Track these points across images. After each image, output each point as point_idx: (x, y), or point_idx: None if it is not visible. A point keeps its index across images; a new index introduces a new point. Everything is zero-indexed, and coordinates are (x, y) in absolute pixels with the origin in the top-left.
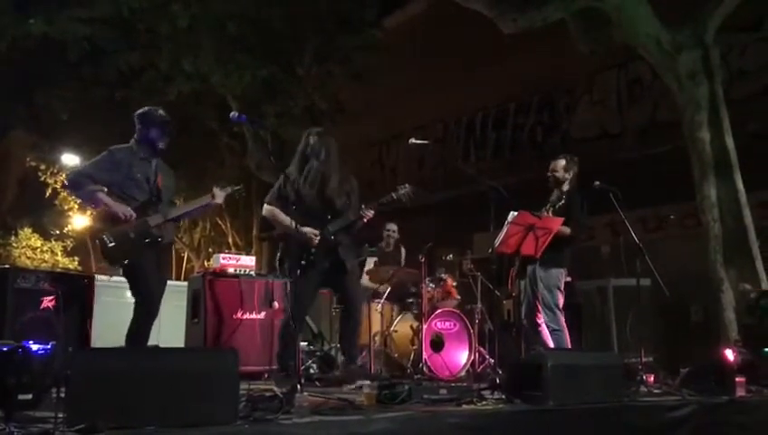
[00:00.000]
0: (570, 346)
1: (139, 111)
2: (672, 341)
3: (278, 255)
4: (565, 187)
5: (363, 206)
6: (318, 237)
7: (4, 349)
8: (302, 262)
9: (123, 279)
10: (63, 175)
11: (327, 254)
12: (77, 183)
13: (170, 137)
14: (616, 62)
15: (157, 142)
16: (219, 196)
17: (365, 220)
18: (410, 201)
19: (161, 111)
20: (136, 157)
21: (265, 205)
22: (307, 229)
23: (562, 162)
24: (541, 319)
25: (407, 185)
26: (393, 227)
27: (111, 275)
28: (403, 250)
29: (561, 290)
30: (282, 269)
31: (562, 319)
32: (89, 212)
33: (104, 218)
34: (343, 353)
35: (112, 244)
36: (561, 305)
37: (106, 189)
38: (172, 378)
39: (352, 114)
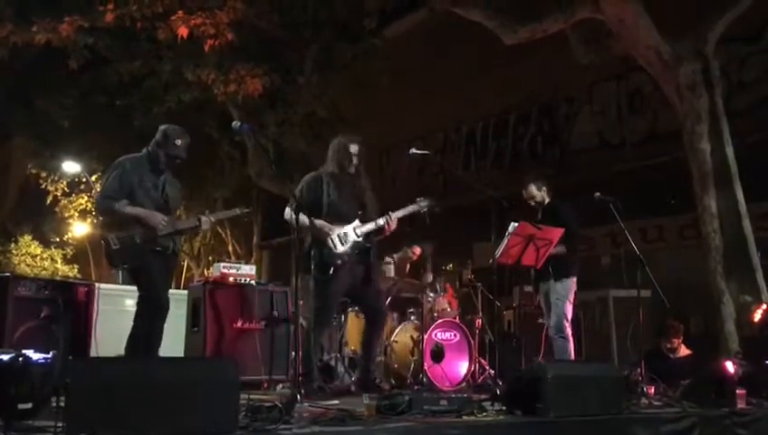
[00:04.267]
0: (573, 357)
1: (164, 127)
2: None
3: (295, 258)
4: (546, 202)
5: (390, 214)
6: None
7: (4, 358)
8: (333, 266)
9: (124, 287)
10: (64, 182)
11: (359, 258)
12: (106, 209)
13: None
14: (616, 73)
15: (160, 164)
16: (205, 223)
17: (389, 229)
18: (429, 214)
19: (178, 141)
20: (145, 168)
21: (286, 209)
22: (323, 223)
23: (532, 186)
24: (568, 330)
25: (423, 198)
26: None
27: (118, 272)
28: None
29: (570, 301)
30: (308, 272)
31: (569, 329)
32: (89, 220)
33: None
34: (364, 366)
35: (116, 247)
36: (569, 316)
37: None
38: (172, 387)
39: (353, 123)
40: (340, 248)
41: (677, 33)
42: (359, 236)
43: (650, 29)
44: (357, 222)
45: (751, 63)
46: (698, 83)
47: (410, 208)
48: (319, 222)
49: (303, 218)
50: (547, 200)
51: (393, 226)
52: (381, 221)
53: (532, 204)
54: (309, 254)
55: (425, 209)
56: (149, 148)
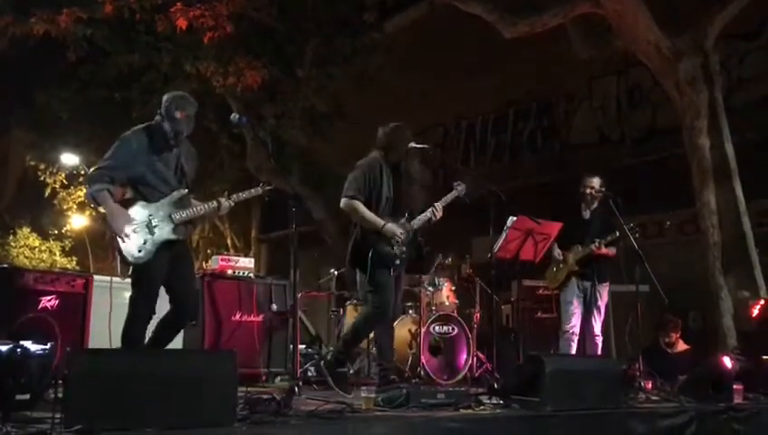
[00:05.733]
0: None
1: (165, 96)
2: None
3: (352, 248)
4: (594, 205)
5: (435, 204)
6: (403, 235)
7: (3, 349)
8: (393, 267)
9: (109, 278)
10: (62, 174)
11: (408, 253)
12: (94, 191)
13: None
14: (616, 69)
15: (168, 139)
16: (224, 207)
17: (435, 220)
18: (469, 197)
19: (179, 114)
20: (155, 144)
21: (346, 199)
22: (392, 226)
23: (597, 180)
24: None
25: (460, 182)
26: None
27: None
28: None
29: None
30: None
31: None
32: (88, 212)
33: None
34: (382, 365)
35: (127, 241)
36: None
37: (113, 187)
38: (170, 380)
39: (352, 117)
40: (402, 249)
41: (677, 28)
42: (412, 233)
43: (650, 24)
44: (407, 216)
45: (750, 60)
46: (698, 79)
47: (452, 195)
48: (389, 227)
49: (366, 213)
50: (595, 205)
51: (439, 214)
52: (430, 214)
53: (587, 195)
54: (359, 249)
55: (463, 193)
56: (155, 121)
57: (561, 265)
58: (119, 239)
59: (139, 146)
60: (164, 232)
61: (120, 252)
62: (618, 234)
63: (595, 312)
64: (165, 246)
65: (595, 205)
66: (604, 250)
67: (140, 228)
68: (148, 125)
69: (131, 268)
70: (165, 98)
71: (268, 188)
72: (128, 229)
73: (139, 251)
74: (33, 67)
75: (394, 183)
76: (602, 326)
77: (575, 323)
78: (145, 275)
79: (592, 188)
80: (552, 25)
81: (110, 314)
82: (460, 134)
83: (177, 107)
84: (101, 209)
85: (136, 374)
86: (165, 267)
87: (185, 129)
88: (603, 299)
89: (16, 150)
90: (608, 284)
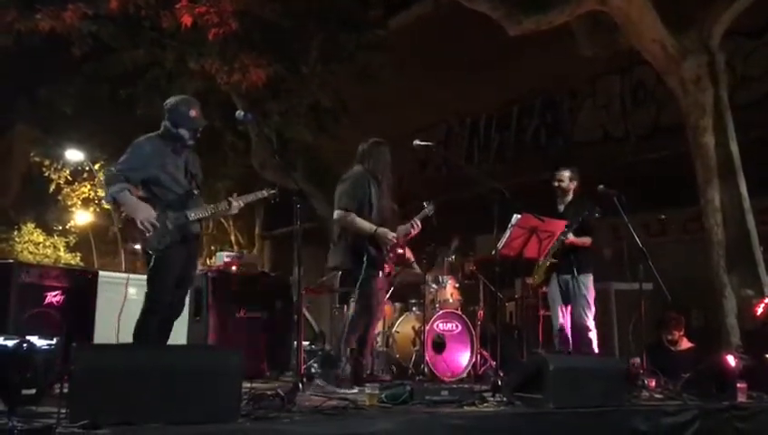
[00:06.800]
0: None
1: (169, 102)
2: None
3: (340, 251)
4: (568, 197)
5: (415, 219)
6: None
7: (9, 344)
8: (381, 269)
9: (126, 275)
10: (67, 171)
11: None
12: (109, 181)
13: (199, 134)
14: (620, 67)
15: (186, 141)
16: (235, 207)
17: (412, 233)
18: (435, 218)
19: (192, 112)
20: (166, 149)
21: (341, 211)
22: (384, 230)
23: (567, 173)
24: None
25: (429, 202)
26: None
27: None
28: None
29: (593, 295)
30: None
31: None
32: (92, 208)
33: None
34: (357, 359)
35: (150, 234)
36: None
37: (131, 187)
38: (174, 375)
39: (356, 114)
40: (390, 254)
41: (682, 26)
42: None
43: (655, 22)
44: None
45: (755, 58)
46: (703, 77)
47: (422, 214)
48: (382, 230)
49: (360, 223)
50: (569, 197)
51: (418, 229)
52: (409, 227)
53: (556, 185)
54: (353, 252)
55: (431, 213)
56: (165, 129)
57: (540, 262)
58: (143, 231)
59: (152, 150)
60: (179, 229)
61: (144, 243)
62: (581, 219)
63: (583, 305)
64: (181, 242)
65: (568, 198)
66: (575, 240)
67: (159, 225)
68: (158, 133)
69: (151, 262)
70: (170, 104)
71: (272, 192)
72: (152, 221)
73: (159, 244)
74: (36, 63)
75: (385, 195)
76: (594, 320)
77: (563, 321)
78: (161, 270)
79: (561, 181)
80: (557, 23)
81: (121, 309)
82: (464, 131)
83: (188, 107)
84: (107, 205)
85: (141, 369)
86: (179, 264)
87: (202, 123)
88: (590, 292)
89: (21, 146)
90: (590, 275)
